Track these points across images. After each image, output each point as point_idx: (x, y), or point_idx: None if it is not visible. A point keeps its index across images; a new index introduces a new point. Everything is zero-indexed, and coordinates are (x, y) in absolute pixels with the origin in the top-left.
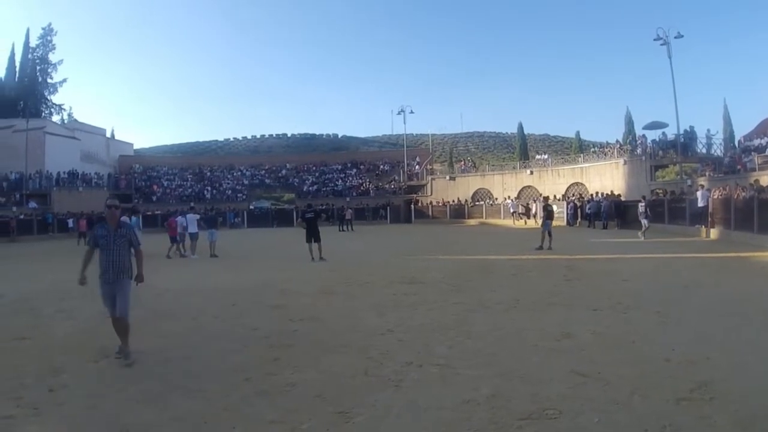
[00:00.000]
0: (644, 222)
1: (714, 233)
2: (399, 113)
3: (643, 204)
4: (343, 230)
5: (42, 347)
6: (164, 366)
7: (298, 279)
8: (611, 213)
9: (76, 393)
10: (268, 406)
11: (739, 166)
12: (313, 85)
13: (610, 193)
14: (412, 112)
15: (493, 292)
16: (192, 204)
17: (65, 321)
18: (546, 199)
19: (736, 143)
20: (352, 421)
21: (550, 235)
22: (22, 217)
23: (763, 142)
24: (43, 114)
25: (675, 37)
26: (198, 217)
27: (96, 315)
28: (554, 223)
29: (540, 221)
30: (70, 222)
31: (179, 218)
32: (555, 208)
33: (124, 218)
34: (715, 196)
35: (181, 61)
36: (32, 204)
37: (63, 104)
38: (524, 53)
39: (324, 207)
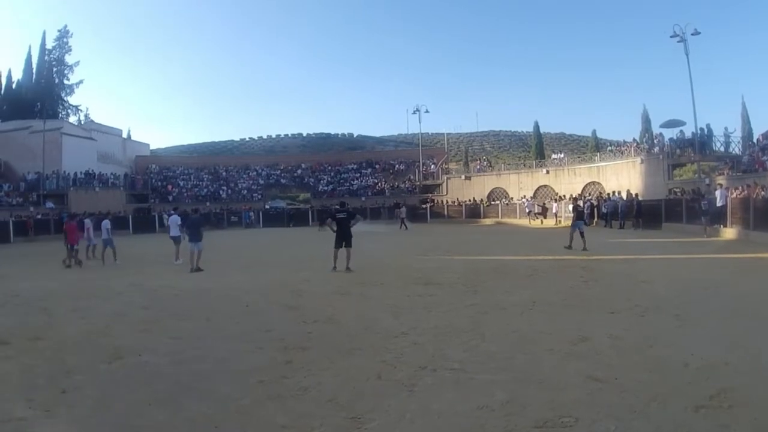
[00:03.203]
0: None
1: (732, 233)
2: (414, 112)
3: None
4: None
5: (55, 347)
6: (176, 367)
7: (313, 280)
8: (629, 212)
9: (87, 394)
10: (281, 409)
11: (757, 165)
12: (329, 85)
13: (627, 193)
14: (427, 111)
15: (509, 293)
16: (176, 206)
17: (79, 320)
18: (575, 199)
19: (755, 141)
20: (364, 426)
21: (582, 235)
22: (39, 216)
23: None
24: (59, 115)
25: (692, 34)
26: (179, 220)
27: (109, 315)
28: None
29: (568, 221)
30: (87, 221)
31: (87, 221)
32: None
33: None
34: (734, 196)
35: (197, 61)
36: (49, 204)
37: (79, 105)
38: (540, 51)
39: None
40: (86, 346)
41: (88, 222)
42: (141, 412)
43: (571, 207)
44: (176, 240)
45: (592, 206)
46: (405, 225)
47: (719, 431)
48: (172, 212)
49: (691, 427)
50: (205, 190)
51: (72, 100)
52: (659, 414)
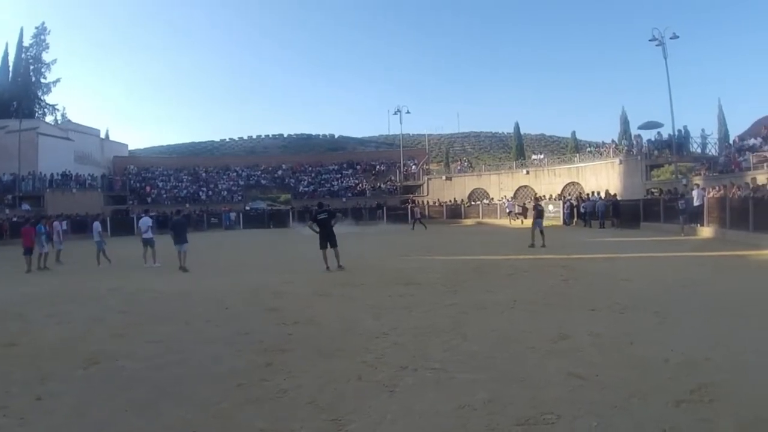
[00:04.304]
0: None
1: (709, 232)
2: (395, 113)
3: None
4: (414, 228)
5: (30, 354)
6: (154, 372)
7: (293, 281)
8: (608, 212)
9: (63, 401)
10: (260, 413)
11: (734, 166)
12: (310, 85)
13: (606, 193)
14: (408, 112)
15: (490, 293)
16: (146, 208)
17: (55, 326)
18: (537, 198)
19: (731, 143)
20: (345, 428)
21: (542, 233)
22: (15, 219)
23: (758, 141)
24: (36, 114)
25: (670, 38)
26: (151, 222)
27: (87, 319)
28: (551, 222)
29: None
30: (56, 224)
31: (56, 224)
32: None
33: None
34: (710, 195)
35: (177, 61)
36: (25, 206)
37: (56, 104)
38: (520, 54)
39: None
40: (62, 352)
41: (57, 225)
42: (118, 419)
43: (532, 206)
44: (149, 242)
45: (571, 206)
46: (423, 224)
47: (700, 425)
48: (143, 214)
49: (673, 422)
50: (185, 191)
51: (49, 99)
52: (640, 409)
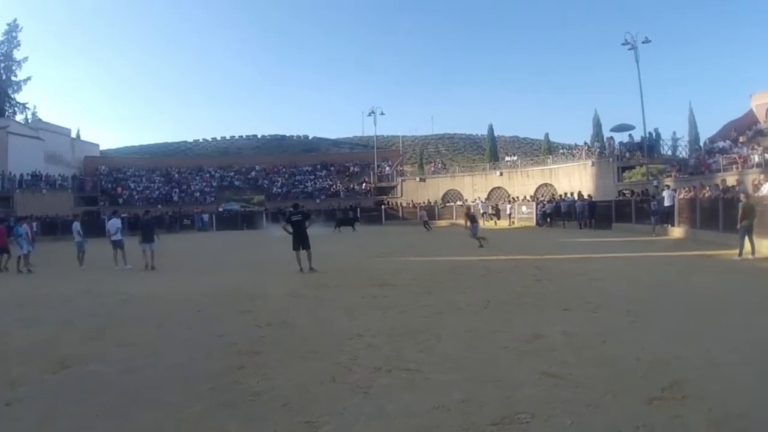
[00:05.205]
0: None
1: (680, 232)
2: (369, 114)
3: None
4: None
5: None
6: (125, 376)
7: (267, 283)
8: (584, 213)
9: (33, 407)
10: (233, 416)
11: (704, 168)
12: (284, 86)
13: (579, 194)
14: (382, 113)
15: (464, 293)
16: (115, 209)
17: (24, 329)
18: (468, 208)
19: (702, 145)
20: (319, 430)
21: (476, 237)
22: None
23: (727, 144)
24: (6, 113)
25: (643, 42)
26: (120, 223)
27: (57, 323)
28: (524, 224)
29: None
30: (24, 227)
31: (24, 226)
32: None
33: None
34: (681, 196)
35: (150, 61)
36: None
37: (27, 103)
38: (494, 56)
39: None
40: (32, 356)
41: (25, 227)
42: (88, 425)
43: (466, 214)
44: (118, 244)
45: (544, 211)
46: (427, 227)
47: (673, 422)
48: (112, 216)
49: (646, 419)
50: (157, 192)
51: (19, 97)
52: (614, 407)
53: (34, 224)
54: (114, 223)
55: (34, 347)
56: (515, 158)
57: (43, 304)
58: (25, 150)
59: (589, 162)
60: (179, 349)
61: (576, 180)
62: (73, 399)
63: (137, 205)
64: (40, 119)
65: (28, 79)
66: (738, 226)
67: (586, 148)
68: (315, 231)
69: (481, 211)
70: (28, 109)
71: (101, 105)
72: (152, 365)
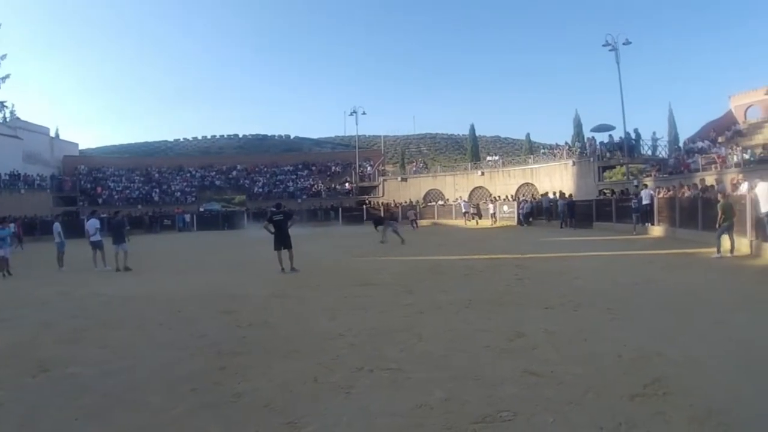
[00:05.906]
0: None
1: (660, 231)
2: (351, 114)
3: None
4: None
5: None
6: (105, 378)
7: (248, 283)
8: (565, 212)
9: (11, 411)
10: (214, 418)
11: (683, 167)
12: (266, 85)
13: (560, 193)
14: (364, 113)
15: (445, 292)
16: (94, 209)
17: (2, 332)
18: (388, 205)
19: (681, 145)
20: (301, 431)
21: (396, 232)
22: None
23: (706, 144)
24: None
25: (623, 44)
26: (99, 224)
27: (35, 325)
28: (506, 223)
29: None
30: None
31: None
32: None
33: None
34: (660, 195)
35: (130, 60)
36: None
37: (5, 101)
38: (476, 57)
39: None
40: (10, 359)
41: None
42: (69, 428)
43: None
44: (97, 245)
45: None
46: (415, 225)
47: (655, 418)
48: (90, 216)
49: (628, 416)
50: (137, 192)
51: None
52: (596, 404)
53: (12, 225)
54: (93, 224)
55: (13, 350)
56: (497, 158)
57: (21, 306)
58: (3, 149)
59: (570, 162)
60: (160, 351)
61: (557, 180)
62: (53, 402)
63: (117, 205)
64: (18, 118)
65: (7, 76)
66: (717, 226)
67: (567, 148)
68: (297, 231)
69: (463, 210)
70: (7, 107)
71: (80, 104)
72: (132, 367)
